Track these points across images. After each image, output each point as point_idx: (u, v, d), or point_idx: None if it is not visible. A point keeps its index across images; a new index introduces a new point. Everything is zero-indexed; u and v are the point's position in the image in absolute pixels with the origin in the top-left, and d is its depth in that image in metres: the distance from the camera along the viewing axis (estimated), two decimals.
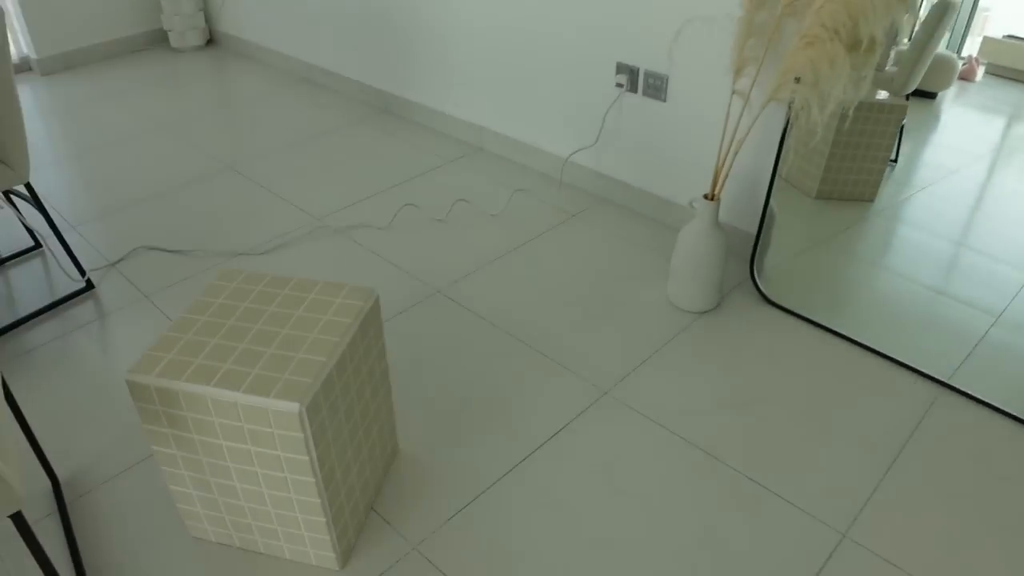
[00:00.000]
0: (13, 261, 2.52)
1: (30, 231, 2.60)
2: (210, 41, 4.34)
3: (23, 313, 2.27)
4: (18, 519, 1.19)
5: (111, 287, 2.37)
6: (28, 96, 3.73)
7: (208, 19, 4.25)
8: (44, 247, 2.56)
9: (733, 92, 2.08)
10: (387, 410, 1.68)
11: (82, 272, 2.33)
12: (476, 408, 1.90)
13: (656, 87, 2.45)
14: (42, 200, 2.86)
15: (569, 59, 2.62)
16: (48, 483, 1.73)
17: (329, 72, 3.66)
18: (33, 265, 2.49)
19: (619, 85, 2.53)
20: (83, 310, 2.28)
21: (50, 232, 2.58)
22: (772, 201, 2.17)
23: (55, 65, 3.97)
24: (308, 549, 1.51)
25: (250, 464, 1.39)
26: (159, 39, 4.30)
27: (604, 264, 2.39)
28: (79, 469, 1.77)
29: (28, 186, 2.14)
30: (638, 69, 2.47)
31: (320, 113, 3.45)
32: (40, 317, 2.25)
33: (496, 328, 2.14)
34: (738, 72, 2.02)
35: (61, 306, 2.29)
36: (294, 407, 1.26)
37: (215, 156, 3.12)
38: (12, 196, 2.33)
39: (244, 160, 3.08)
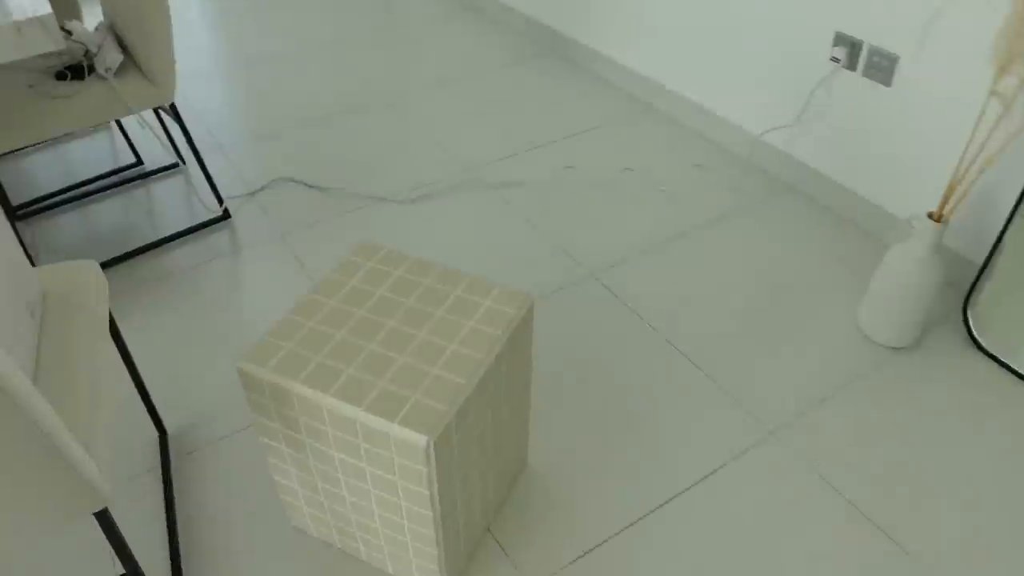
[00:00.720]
0: (158, 175, 2.44)
1: (175, 149, 2.51)
2: None
3: (162, 234, 2.18)
4: (102, 517, 1.05)
5: (247, 218, 2.24)
6: (186, 4, 3.66)
7: None
8: (184, 168, 2.47)
9: (991, 93, 1.65)
10: (522, 423, 1.46)
11: (220, 200, 2.21)
12: (619, 425, 1.65)
13: (881, 68, 2.03)
14: (192, 113, 2.77)
15: (777, 19, 2.22)
16: (155, 435, 1.63)
17: (498, 1, 3.37)
18: (177, 182, 2.40)
19: (834, 59, 2.12)
20: (218, 239, 2.17)
21: (192, 155, 2.48)
22: (1008, 231, 1.76)
23: None
24: (413, 572, 1.33)
25: (363, 482, 1.20)
26: None
27: (785, 269, 2.05)
28: (189, 423, 1.66)
29: (172, 106, 2.01)
30: (861, 43, 2.05)
31: (483, 48, 3.19)
32: (177, 241, 2.16)
33: (654, 332, 1.86)
34: (1002, 69, 1.60)
35: (198, 232, 2.19)
36: (421, 440, 1.05)
37: (371, 85, 2.94)
38: (160, 111, 2.22)
39: (400, 92, 2.88)
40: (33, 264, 1.94)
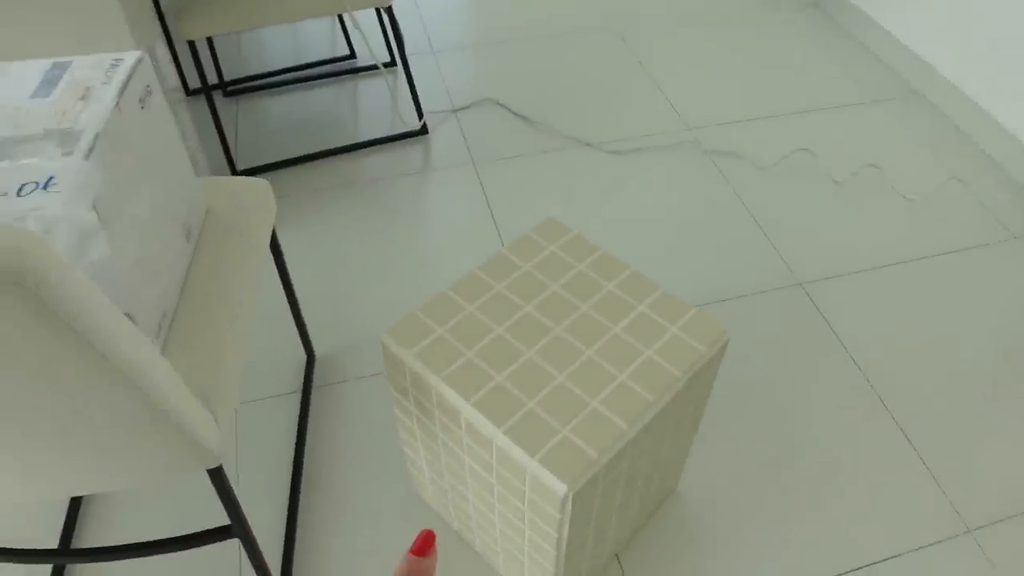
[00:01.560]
0: (368, 73, 2.36)
1: (390, 50, 2.41)
2: None
3: (358, 138, 2.11)
4: (215, 475, 0.98)
5: (445, 137, 2.12)
6: None
7: None
8: (396, 69, 2.37)
9: None
10: (680, 454, 1.26)
11: (420, 114, 2.10)
12: (792, 472, 1.41)
13: None
14: (416, 11, 2.65)
15: None
16: (303, 357, 1.58)
17: None
18: (385, 84, 2.32)
19: None
20: (411, 154, 2.07)
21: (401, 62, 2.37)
22: None
23: None
24: None
25: (490, 495, 1.07)
26: None
27: None
28: (341, 349, 1.60)
29: (389, 9, 1.88)
30: None
31: None
32: (370, 148, 2.09)
33: (859, 372, 1.58)
34: None
35: (393, 142, 2.10)
36: (560, 488, 0.89)
37: (611, 8, 2.68)
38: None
39: (637, 23, 2.61)
40: (227, 146, 1.93)
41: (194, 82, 2.30)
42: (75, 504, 1.36)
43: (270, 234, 1.25)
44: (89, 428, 0.80)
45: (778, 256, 1.81)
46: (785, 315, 1.68)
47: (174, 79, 2.31)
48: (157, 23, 1.96)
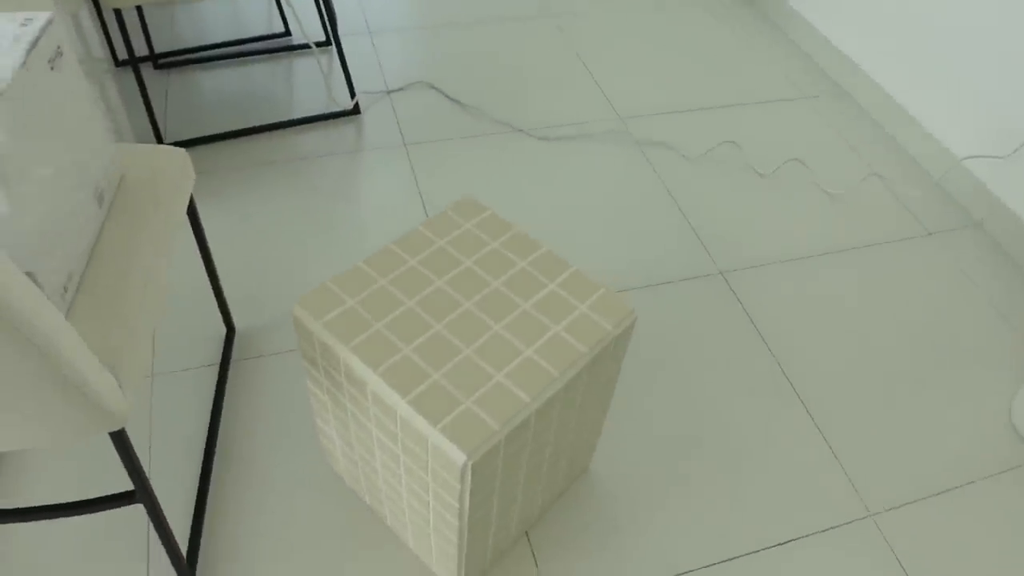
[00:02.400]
0: (302, 52, 2.34)
1: (325, 28, 2.39)
2: None
3: (288, 116, 2.09)
4: (118, 438, 0.98)
5: (377, 118, 2.12)
6: None
7: None
8: (330, 49, 2.36)
9: None
10: (591, 434, 1.30)
11: (352, 94, 2.09)
12: (703, 453, 1.46)
13: None
14: None
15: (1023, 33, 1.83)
16: (223, 331, 1.57)
17: None
18: (319, 62, 2.30)
19: None
20: (342, 134, 2.06)
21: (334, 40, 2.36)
22: None
23: None
24: (432, 558, 1.23)
25: (397, 467, 1.09)
26: None
27: (943, 321, 1.74)
28: (262, 324, 1.59)
29: None
30: None
31: None
32: (300, 126, 2.07)
33: (772, 359, 1.63)
34: None
35: (324, 121, 2.09)
36: (459, 458, 0.92)
37: (548, 4, 2.71)
38: None
39: (571, 16, 2.64)
40: (154, 119, 1.89)
41: (123, 54, 2.24)
42: None
43: (187, 203, 1.23)
44: None
45: (700, 245, 1.86)
46: (705, 302, 1.73)
47: (102, 49, 2.25)
48: None
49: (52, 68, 0.99)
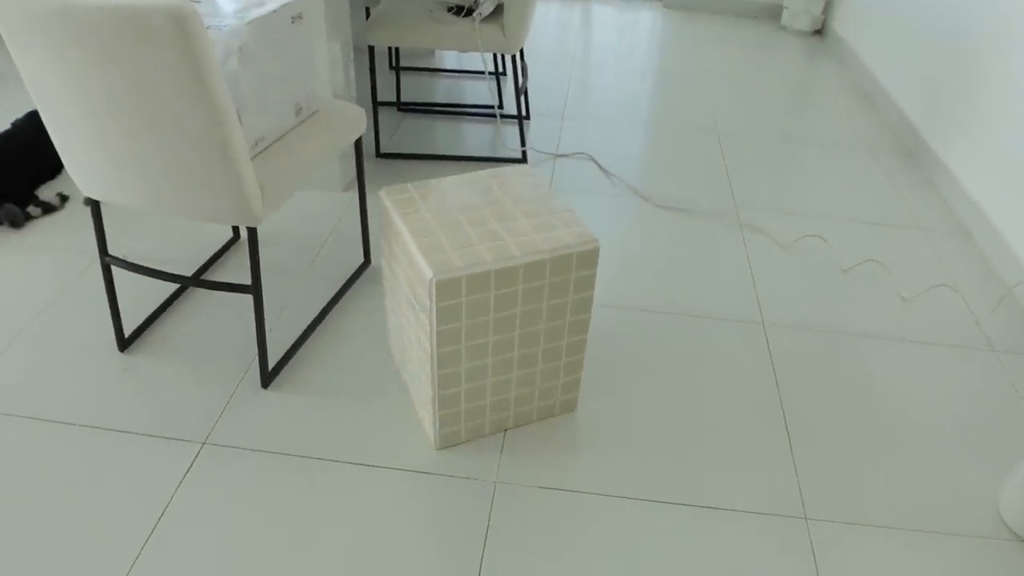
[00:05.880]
0: (505, 120, 3.02)
1: (526, 106, 3.06)
2: (819, 32, 4.27)
3: (473, 154, 2.75)
4: (252, 235, 1.56)
5: (540, 170, 2.69)
6: (644, 16, 4.23)
7: (826, 9, 4.16)
8: (526, 122, 3.01)
9: None
10: (572, 362, 1.66)
11: (523, 142, 2.70)
12: (678, 434, 1.73)
13: None
14: (561, 85, 3.31)
15: None
16: (361, 260, 2.16)
17: (887, 93, 3.33)
18: (512, 128, 2.96)
19: None
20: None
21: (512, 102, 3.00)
22: None
23: (678, 3, 4.41)
24: (424, 415, 1.64)
25: (410, 310, 1.55)
26: (774, 13, 4.40)
27: (971, 418, 1.83)
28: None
29: (514, 57, 2.53)
30: None
31: (843, 127, 3.21)
32: (479, 161, 2.71)
33: (777, 393, 1.86)
34: None
35: (497, 162, 2.71)
36: (427, 273, 1.37)
37: (715, 117, 3.18)
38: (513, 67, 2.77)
39: (735, 131, 3.08)
40: (378, 136, 2.62)
41: (385, 97, 3.08)
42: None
43: (354, 139, 1.86)
44: (181, 148, 1.41)
45: (758, 310, 2.14)
46: (738, 340, 2.01)
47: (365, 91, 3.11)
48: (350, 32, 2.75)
49: (292, 23, 1.67)
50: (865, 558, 1.50)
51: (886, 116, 3.34)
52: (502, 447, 1.66)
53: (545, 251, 1.45)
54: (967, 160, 2.66)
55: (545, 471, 1.62)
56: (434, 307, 1.40)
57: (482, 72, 3.39)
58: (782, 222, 2.52)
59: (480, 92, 3.25)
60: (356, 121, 1.87)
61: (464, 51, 2.49)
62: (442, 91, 3.24)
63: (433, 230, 1.48)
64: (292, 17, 1.67)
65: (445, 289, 1.39)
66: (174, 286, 2.00)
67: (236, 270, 2.12)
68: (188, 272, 2.08)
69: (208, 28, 1.48)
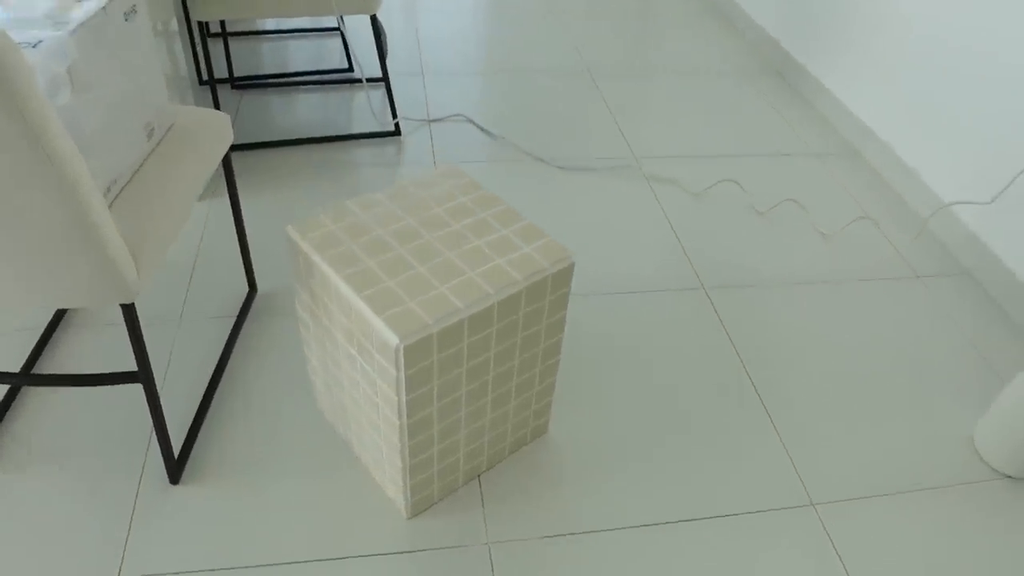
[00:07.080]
0: (360, 85, 2.65)
1: (384, 68, 2.71)
2: None
3: (340, 132, 2.38)
4: (128, 311, 1.19)
5: (416, 141, 2.38)
6: None
7: None
8: (363, 82, 2.66)
9: None
10: (544, 387, 1.44)
11: (394, 115, 2.37)
12: (661, 430, 1.57)
13: None
14: (417, 38, 2.97)
15: (1007, 89, 1.96)
16: (247, 290, 1.80)
17: (747, 14, 3.26)
18: (374, 95, 2.60)
19: None
20: (382, 152, 2.32)
21: (379, 70, 2.65)
22: None
23: None
24: (387, 481, 1.38)
25: (353, 370, 1.26)
26: None
27: (923, 356, 1.82)
28: (279, 289, 1.81)
29: (373, 18, 2.18)
30: None
31: (709, 52, 3.11)
32: (349, 141, 2.35)
33: (742, 365, 1.75)
34: None
35: (368, 139, 2.37)
36: (392, 339, 1.09)
37: (585, 55, 2.98)
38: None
39: (606, 69, 2.89)
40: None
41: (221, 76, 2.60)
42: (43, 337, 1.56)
43: (223, 154, 1.48)
44: (25, 232, 1.02)
45: (687, 264, 2.01)
46: (680, 309, 1.87)
47: (188, 69, 2.62)
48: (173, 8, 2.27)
49: (126, 20, 1.26)
50: (877, 531, 1.43)
51: (748, 37, 3.28)
52: (481, 499, 1.43)
53: (519, 280, 1.21)
54: (839, 73, 2.63)
55: (538, 516, 1.41)
56: (402, 375, 1.13)
57: (309, 30, 2.96)
58: (685, 167, 2.39)
59: (317, 53, 2.83)
60: (221, 131, 1.50)
61: (317, 15, 2.11)
62: (274, 57, 2.80)
63: (376, 275, 1.18)
64: (125, 13, 1.26)
65: (415, 353, 1.11)
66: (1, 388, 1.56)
67: (79, 346, 1.69)
68: (13, 366, 1.62)
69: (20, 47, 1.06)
